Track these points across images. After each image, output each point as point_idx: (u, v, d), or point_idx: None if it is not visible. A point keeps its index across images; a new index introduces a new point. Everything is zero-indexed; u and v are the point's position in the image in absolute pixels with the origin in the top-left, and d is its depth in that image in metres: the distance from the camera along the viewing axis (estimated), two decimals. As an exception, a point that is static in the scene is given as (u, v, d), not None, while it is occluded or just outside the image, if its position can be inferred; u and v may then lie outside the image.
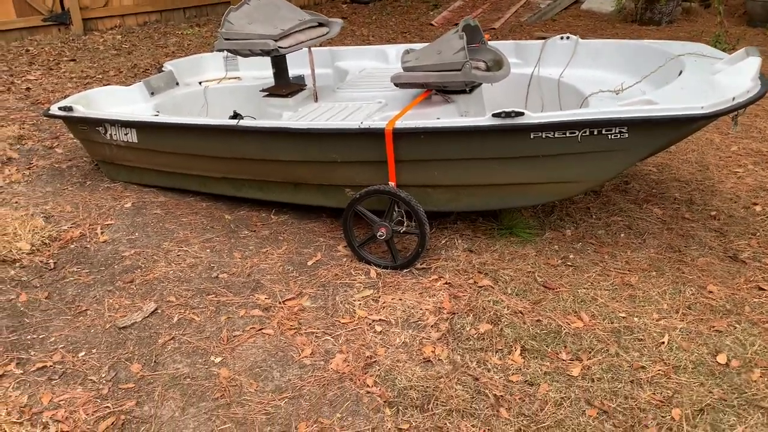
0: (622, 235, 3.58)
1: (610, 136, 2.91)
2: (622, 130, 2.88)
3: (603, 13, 10.10)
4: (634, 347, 2.70)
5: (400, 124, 3.15)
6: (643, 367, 2.59)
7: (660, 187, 4.17)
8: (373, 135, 3.21)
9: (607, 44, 4.15)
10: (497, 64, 3.80)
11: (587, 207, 3.88)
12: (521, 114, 2.92)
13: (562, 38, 4.31)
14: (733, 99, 2.88)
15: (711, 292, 3.05)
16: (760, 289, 3.07)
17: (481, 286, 3.14)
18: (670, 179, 4.30)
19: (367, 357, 2.72)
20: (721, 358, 2.61)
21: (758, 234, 3.57)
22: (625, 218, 3.75)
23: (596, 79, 3.97)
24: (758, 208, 3.87)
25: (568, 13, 10.36)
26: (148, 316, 3.00)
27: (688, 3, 9.76)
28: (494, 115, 2.96)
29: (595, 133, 2.91)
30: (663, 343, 2.70)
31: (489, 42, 4.47)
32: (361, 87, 4.27)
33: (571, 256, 3.36)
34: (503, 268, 3.28)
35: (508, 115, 2.94)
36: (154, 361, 2.72)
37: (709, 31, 8.57)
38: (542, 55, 4.32)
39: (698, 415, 2.35)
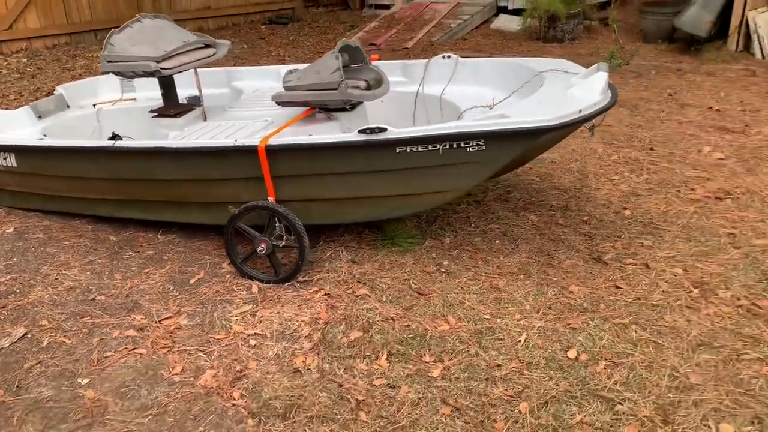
0: (497, 241, 3.75)
1: (468, 148, 3.07)
2: (479, 142, 3.05)
3: (511, 32, 10.51)
4: (494, 346, 2.84)
5: (272, 141, 3.23)
6: (499, 365, 2.72)
7: (539, 196, 4.39)
8: (249, 152, 3.28)
9: (483, 62, 4.37)
10: (378, 82, 3.94)
11: (468, 216, 4.04)
12: (384, 130, 3.05)
13: (444, 57, 4.50)
14: (580, 111, 3.09)
15: (572, 292, 3.24)
16: (617, 287, 3.28)
17: (358, 296, 3.23)
18: (550, 188, 4.53)
19: (238, 371, 2.76)
20: (572, 353, 2.78)
21: (623, 237, 3.81)
22: (502, 225, 3.93)
23: (473, 95, 4.17)
24: (627, 212, 4.13)
25: (479, 32, 10.74)
26: (16, 342, 2.95)
27: (589, 21, 10.28)
28: (360, 132, 3.08)
29: (455, 146, 3.06)
30: (520, 341, 2.86)
31: (381, 61, 4.65)
32: (251, 106, 4.34)
33: (446, 263, 3.50)
34: (381, 277, 3.39)
35: (372, 131, 3.06)
36: (17, 386, 2.68)
37: (607, 47, 9.06)
38: (426, 74, 4.49)
39: (543, 407, 2.49)
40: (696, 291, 3.24)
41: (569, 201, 4.30)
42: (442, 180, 3.21)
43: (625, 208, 4.18)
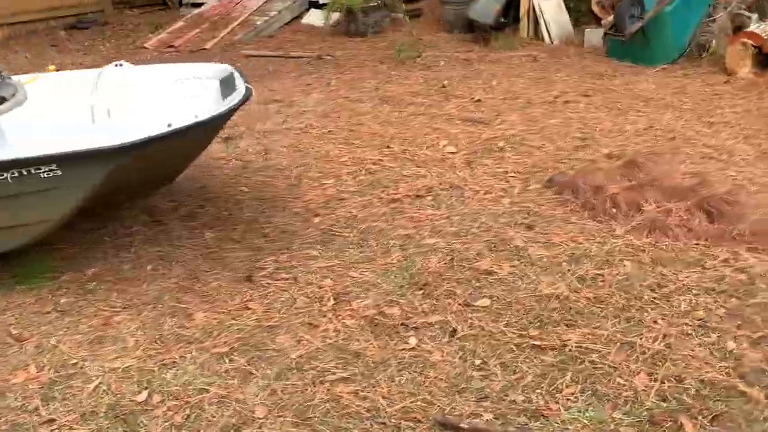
0: (149, 267, 3.50)
1: (42, 174, 2.79)
2: (52, 167, 2.78)
3: (320, 27, 10.36)
4: (62, 397, 2.58)
5: None
6: (52, 420, 2.46)
7: (234, 209, 4.19)
8: None
9: (145, 70, 4.11)
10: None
11: (132, 240, 3.77)
12: None
13: (116, 65, 4.20)
14: (169, 125, 2.88)
15: (193, 320, 3.03)
16: (247, 308, 3.11)
17: (-64, 353, 2.89)
18: (252, 198, 4.34)
19: None
20: (142, 396, 2.56)
21: (292, 248, 3.66)
22: (167, 248, 3.68)
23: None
24: (317, 220, 4.00)
25: (289, 29, 10.51)
26: None
27: (396, 14, 10.28)
28: None
29: (25, 173, 2.78)
30: (90, 388, 2.61)
31: (61, 72, 4.32)
32: None
33: (64, 300, 3.20)
34: (-19, 325, 3.06)
35: None
36: None
37: (407, 40, 9.05)
38: (99, 84, 4.17)
39: (67, 467, 2.26)
40: (331, 303, 3.12)
41: (263, 212, 4.12)
42: (24, 212, 2.91)
43: (317, 215, 4.05)
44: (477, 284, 3.25)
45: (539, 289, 3.17)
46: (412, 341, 2.84)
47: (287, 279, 3.35)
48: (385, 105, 6.36)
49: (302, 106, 6.41)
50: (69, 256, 3.61)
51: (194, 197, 4.33)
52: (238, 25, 10.27)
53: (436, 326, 2.95)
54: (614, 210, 3.87)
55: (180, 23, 10.84)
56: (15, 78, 4.12)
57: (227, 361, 2.74)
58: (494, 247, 3.59)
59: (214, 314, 3.06)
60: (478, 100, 6.40)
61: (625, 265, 3.35)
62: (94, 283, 3.36)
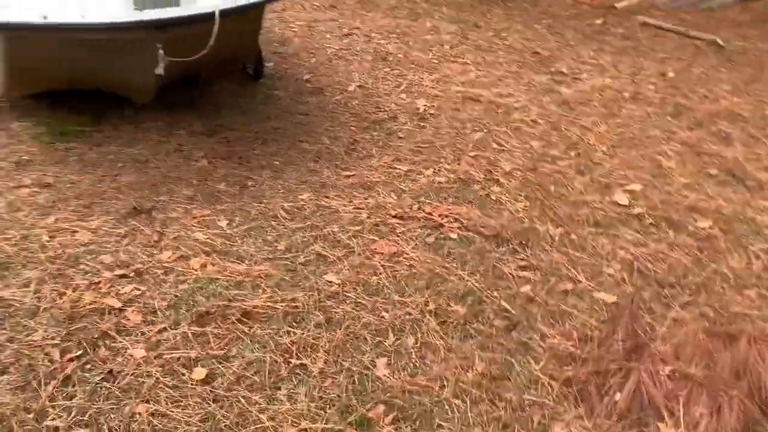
0: (120, 165, 3.45)
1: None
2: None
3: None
4: None
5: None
6: None
7: (266, 147, 3.75)
8: None
9: None
10: None
11: (152, 139, 3.74)
12: None
13: None
14: (44, 17, 2.73)
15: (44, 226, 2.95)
16: (74, 232, 2.86)
17: None
18: (302, 151, 3.81)
19: None
20: None
21: (220, 205, 3.14)
22: (155, 160, 3.55)
23: None
24: (304, 196, 3.30)
25: (743, 7, 8.26)
26: None
27: None
28: None
29: None
30: None
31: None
32: None
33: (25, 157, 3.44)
34: None
35: None
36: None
37: None
38: None
39: None
40: (109, 274, 2.64)
41: (285, 167, 3.59)
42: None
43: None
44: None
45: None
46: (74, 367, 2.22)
47: (157, 232, 2.94)
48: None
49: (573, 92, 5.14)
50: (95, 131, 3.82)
51: (262, 124, 4.04)
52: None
53: (119, 357, 2.23)
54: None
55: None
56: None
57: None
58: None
59: (56, 230, 2.92)
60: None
61: None
62: (67, 149, 3.54)
